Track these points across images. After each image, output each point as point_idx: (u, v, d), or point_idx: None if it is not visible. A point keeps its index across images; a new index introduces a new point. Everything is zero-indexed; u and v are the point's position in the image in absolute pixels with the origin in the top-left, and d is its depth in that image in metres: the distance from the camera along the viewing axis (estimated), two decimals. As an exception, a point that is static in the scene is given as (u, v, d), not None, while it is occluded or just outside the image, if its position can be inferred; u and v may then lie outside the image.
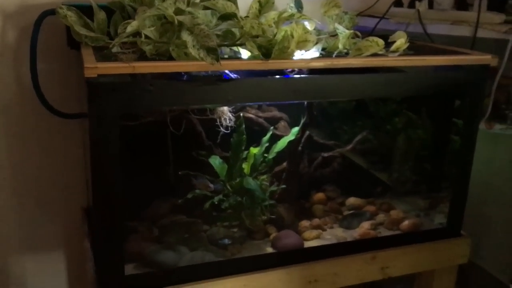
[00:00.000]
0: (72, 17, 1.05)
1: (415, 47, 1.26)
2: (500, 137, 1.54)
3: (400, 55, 1.12)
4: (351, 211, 1.35)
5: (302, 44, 1.01)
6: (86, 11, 1.06)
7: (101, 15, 1.08)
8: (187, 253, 1.13)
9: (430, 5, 1.39)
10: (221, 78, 0.96)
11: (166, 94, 0.93)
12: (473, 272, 1.77)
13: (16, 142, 1.32)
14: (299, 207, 1.33)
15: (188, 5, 1.13)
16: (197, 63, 0.92)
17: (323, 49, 1.13)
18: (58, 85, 1.29)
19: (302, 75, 1.03)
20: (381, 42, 1.09)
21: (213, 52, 0.93)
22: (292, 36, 0.99)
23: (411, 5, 1.43)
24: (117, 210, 0.95)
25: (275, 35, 1.00)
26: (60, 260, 1.46)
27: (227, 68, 0.96)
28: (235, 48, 1.07)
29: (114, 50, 1.03)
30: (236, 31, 1.03)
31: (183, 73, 0.98)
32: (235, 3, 1.16)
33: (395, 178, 1.50)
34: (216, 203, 1.14)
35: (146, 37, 1.01)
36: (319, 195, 1.39)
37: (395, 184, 1.49)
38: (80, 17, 1.06)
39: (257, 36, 1.00)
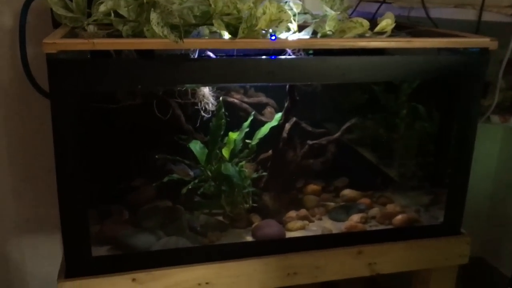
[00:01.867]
0: (52, -3, 1.06)
1: (414, 32, 1.19)
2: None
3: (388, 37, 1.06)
4: (342, 203, 1.29)
5: (275, 23, 0.97)
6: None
7: (80, -4, 1.07)
8: (162, 238, 1.11)
9: (435, -12, 1.31)
10: (185, 57, 0.93)
11: (127, 73, 0.91)
12: (491, 274, 1.67)
13: (12, 124, 1.34)
14: (290, 197, 1.28)
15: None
16: (160, 41, 0.90)
17: (315, 33, 1.08)
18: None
19: (278, 57, 0.98)
20: (365, 23, 1.03)
21: (177, 29, 0.90)
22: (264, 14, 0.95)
23: (416, -12, 1.35)
24: (81, 192, 0.95)
25: (248, 14, 0.96)
26: (58, 242, 1.48)
27: (191, 47, 0.93)
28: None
29: (92, 29, 1.03)
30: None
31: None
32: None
33: (399, 172, 1.44)
34: (190, 187, 1.11)
35: (119, 16, 1.01)
36: (313, 186, 1.34)
37: (399, 178, 1.42)
38: (59, -3, 1.06)
39: (228, 15, 0.97)
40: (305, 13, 1.24)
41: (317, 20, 1.13)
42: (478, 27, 1.19)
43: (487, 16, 1.18)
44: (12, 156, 1.37)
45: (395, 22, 1.29)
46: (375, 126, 1.44)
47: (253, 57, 0.98)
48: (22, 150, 1.37)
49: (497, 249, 1.68)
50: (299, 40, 0.99)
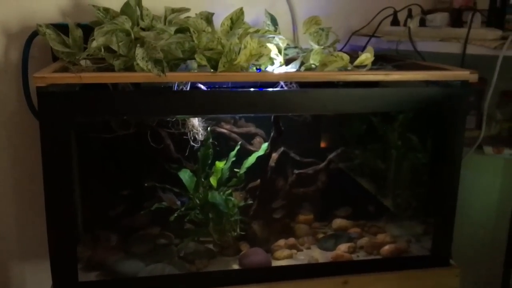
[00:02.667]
0: (51, 34, 1.12)
1: (401, 65, 1.22)
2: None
3: (368, 70, 1.09)
4: (332, 233, 1.30)
5: (255, 57, 1.01)
6: (66, 30, 1.13)
7: (77, 33, 1.14)
8: (149, 265, 1.14)
9: (423, 23, 1.34)
10: (169, 89, 0.98)
11: (113, 105, 0.96)
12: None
13: (17, 153, 1.40)
14: (280, 225, 1.30)
15: (165, 23, 1.19)
16: (144, 75, 0.95)
17: (303, 64, 1.12)
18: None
19: (254, 89, 1.02)
20: (345, 57, 1.07)
21: (159, 64, 0.95)
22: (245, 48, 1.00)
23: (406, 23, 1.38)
24: (69, 218, 0.99)
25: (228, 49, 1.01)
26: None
27: (173, 80, 0.98)
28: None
29: (85, 64, 1.09)
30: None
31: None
32: (209, 20, 1.19)
33: (392, 201, 1.44)
34: (177, 215, 1.14)
35: (110, 51, 1.07)
36: (305, 214, 1.35)
37: (392, 207, 1.43)
38: (58, 34, 1.13)
39: (211, 50, 1.01)
40: (295, 47, 1.29)
41: (305, 54, 1.17)
42: (463, 60, 1.21)
43: (471, 50, 1.21)
44: (17, 185, 1.42)
45: (384, 55, 1.34)
46: (368, 156, 1.46)
47: (235, 89, 1.02)
48: (27, 179, 1.42)
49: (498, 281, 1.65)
50: (279, 74, 1.03)
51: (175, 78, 0.98)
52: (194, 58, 1.04)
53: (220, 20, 1.16)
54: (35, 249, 1.48)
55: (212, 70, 1.00)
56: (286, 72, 1.04)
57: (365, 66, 1.09)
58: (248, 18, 1.32)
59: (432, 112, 1.14)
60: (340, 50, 1.42)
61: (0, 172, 1.39)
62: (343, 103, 1.07)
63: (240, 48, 1.02)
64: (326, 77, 1.03)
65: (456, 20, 1.31)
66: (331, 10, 1.50)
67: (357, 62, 1.07)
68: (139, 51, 0.97)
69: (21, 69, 1.28)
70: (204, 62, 0.99)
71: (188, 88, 1.05)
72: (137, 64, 1.00)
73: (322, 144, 1.41)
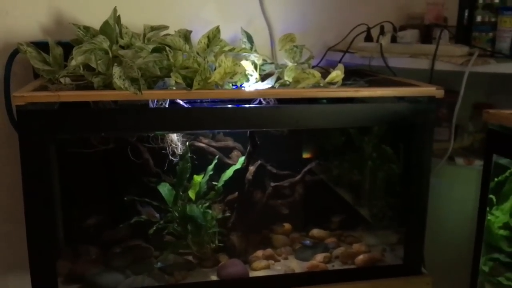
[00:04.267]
0: (31, 52, 1.15)
1: (372, 80, 1.26)
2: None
3: (340, 86, 1.13)
4: (305, 242, 1.34)
5: (230, 75, 1.05)
6: (47, 47, 1.16)
7: (57, 51, 1.17)
8: (129, 277, 1.16)
9: (395, 40, 1.39)
10: (143, 107, 1.01)
11: (92, 121, 0.99)
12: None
13: (1, 168, 1.42)
14: (258, 237, 1.33)
15: (144, 41, 1.22)
16: (121, 93, 0.99)
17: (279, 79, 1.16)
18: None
19: (228, 106, 1.06)
20: (317, 74, 1.11)
21: (136, 82, 0.99)
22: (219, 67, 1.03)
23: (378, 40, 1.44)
24: (48, 231, 1.01)
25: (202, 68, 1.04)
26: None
27: (149, 97, 1.01)
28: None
29: (64, 81, 1.12)
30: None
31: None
32: (187, 38, 1.23)
33: (369, 211, 1.48)
34: (157, 228, 1.17)
35: (89, 69, 1.10)
36: (283, 225, 1.39)
37: (370, 217, 1.47)
38: (38, 52, 1.16)
39: (187, 68, 1.05)
40: (271, 63, 1.33)
41: (280, 70, 1.21)
42: (431, 76, 1.26)
43: (440, 66, 1.26)
44: (8, 196, 1.43)
45: (358, 70, 1.38)
46: (344, 167, 1.50)
47: (211, 106, 1.06)
48: (8, 193, 1.44)
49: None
50: (252, 91, 1.08)
51: (151, 96, 1.01)
52: (166, 76, 1.07)
53: (198, 36, 1.20)
54: (17, 262, 1.49)
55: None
56: (258, 90, 1.08)
57: (336, 82, 1.13)
58: (226, 34, 1.37)
59: (401, 126, 1.18)
60: (317, 65, 1.48)
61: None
62: (316, 118, 1.11)
63: (215, 66, 1.05)
64: (297, 94, 1.07)
65: (426, 36, 1.36)
66: (308, 27, 1.55)
67: (328, 79, 1.11)
68: (116, 70, 1.00)
69: (3, 85, 1.30)
70: (179, 80, 1.02)
71: (167, 104, 1.08)
72: (114, 82, 1.04)
73: (300, 157, 1.44)
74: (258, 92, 1.07)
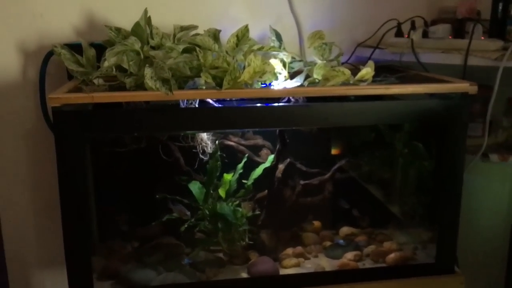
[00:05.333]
0: (65, 54, 1.18)
1: (403, 77, 1.25)
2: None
3: (370, 83, 1.12)
4: (337, 240, 1.33)
5: (259, 74, 1.06)
6: (80, 48, 1.19)
7: (90, 52, 1.19)
8: (162, 274, 1.18)
9: (426, 35, 1.37)
10: (174, 106, 1.02)
11: (125, 122, 1.01)
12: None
13: (36, 166, 1.46)
14: (288, 234, 1.34)
15: (174, 41, 1.24)
16: (153, 93, 1.00)
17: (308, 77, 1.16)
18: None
19: (257, 105, 1.06)
20: (347, 71, 1.10)
21: (167, 83, 1.00)
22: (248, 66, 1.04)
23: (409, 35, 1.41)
24: (84, 229, 1.04)
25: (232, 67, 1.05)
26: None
27: (180, 98, 1.03)
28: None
29: (97, 82, 1.14)
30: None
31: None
32: (216, 37, 1.24)
33: (400, 208, 1.47)
34: (188, 226, 1.19)
35: (121, 70, 1.12)
36: (313, 223, 1.39)
37: (400, 215, 1.45)
38: (72, 54, 1.18)
39: (217, 68, 1.06)
40: (300, 61, 1.33)
41: (309, 67, 1.21)
42: (464, 72, 1.24)
43: (473, 61, 1.23)
44: (36, 196, 1.48)
45: (388, 66, 1.37)
46: (375, 163, 1.49)
47: (241, 105, 1.07)
48: (44, 191, 1.48)
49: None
50: (281, 90, 1.08)
51: (181, 96, 1.02)
52: (197, 76, 1.08)
53: (227, 34, 1.21)
54: (54, 258, 1.54)
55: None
56: (287, 89, 1.08)
57: (366, 80, 1.12)
58: (255, 32, 1.37)
59: (434, 123, 1.16)
60: (346, 62, 1.47)
61: (19, 184, 1.45)
62: (346, 116, 1.10)
63: (245, 65, 1.06)
64: (327, 92, 1.06)
65: (458, 31, 1.33)
66: (337, 23, 1.53)
67: (358, 76, 1.10)
68: (147, 71, 1.02)
69: (38, 86, 1.34)
70: (209, 80, 1.03)
71: (197, 104, 1.10)
72: (146, 82, 1.06)
73: (329, 154, 1.44)
74: (288, 91, 1.07)
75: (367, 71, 1.10)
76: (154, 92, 1.00)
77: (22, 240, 1.49)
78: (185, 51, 1.08)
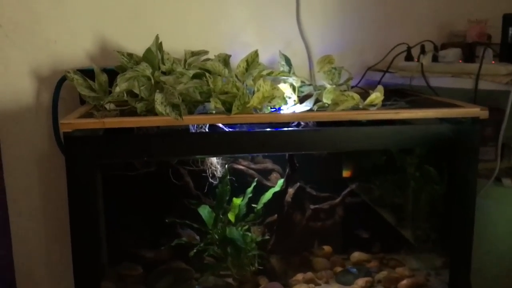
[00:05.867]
0: (78, 80, 1.20)
1: (413, 101, 1.25)
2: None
3: (380, 108, 1.12)
4: (349, 267, 1.31)
5: (268, 99, 1.06)
6: (92, 73, 1.21)
7: (102, 78, 1.21)
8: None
9: (436, 59, 1.37)
10: (184, 131, 1.03)
11: (135, 147, 1.02)
12: None
13: (49, 190, 1.47)
14: (298, 259, 1.33)
15: (184, 66, 1.25)
16: (163, 118, 1.01)
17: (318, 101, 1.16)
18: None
19: (266, 129, 1.06)
20: (356, 96, 1.10)
21: (177, 108, 1.01)
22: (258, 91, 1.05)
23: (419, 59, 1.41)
24: (93, 253, 1.04)
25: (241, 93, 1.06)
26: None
27: (190, 123, 1.03)
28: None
29: (109, 107, 1.16)
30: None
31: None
32: (226, 62, 1.25)
33: (412, 233, 1.45)
34: (197, 251, 1.18)
35: (133, 95, 1.14)
36: (323, 248, 1.38)
37: (413, 240, 1.43)
38: (84, 80, 1.20)
39: (226, 93, 1.07)
40: (309, 85, 1.33)
41: (319, 92, 1.21)
42: (475, 96, 1.23)
43: (483, 85, 1.23)
44: (48, 219, 1.49)
45: (398, 90, 1.37)
46: (386, 188, 1.47)
47: (250, 130, 1.07)
48: (54, 214, 1.48)
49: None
50: (290, 115, 1.08)
51: (191, 121, 1.03)
52: (206, 101, 1.09)
53: (237, 58, 1.22)
54: (65, 283, 1.53)
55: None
56: (296, 113, 1.08)
57: (375, 105, 1.12)
58: (265, 56, 1.38)
59: (444, 148, 1.15)
60: (356, 85, 1.47)
61: (31, 208, 1.46)
62: (356, 141, 1.10)
63: (254, 90, 1.07)
64: (336, 116, 1.06)
65: (468, 55, 1.33)
66: (346, 47, 1.54)
67: (367, 101, 1.10)
68: (158, 96, 1.03)
69: (51, 110, 1.36)
70: (219, 105, 1.04)
71: (207, 129, 1.10)
72: (157, 108, 1.07)
73: (340, 178, 1.43)
74: (297, 116, 1.07)
75: (376, 95, 1.10)
76: (164, 117, 1.01)
77: (32, 265, 1.49)
78: (195, 76, 1.09)
